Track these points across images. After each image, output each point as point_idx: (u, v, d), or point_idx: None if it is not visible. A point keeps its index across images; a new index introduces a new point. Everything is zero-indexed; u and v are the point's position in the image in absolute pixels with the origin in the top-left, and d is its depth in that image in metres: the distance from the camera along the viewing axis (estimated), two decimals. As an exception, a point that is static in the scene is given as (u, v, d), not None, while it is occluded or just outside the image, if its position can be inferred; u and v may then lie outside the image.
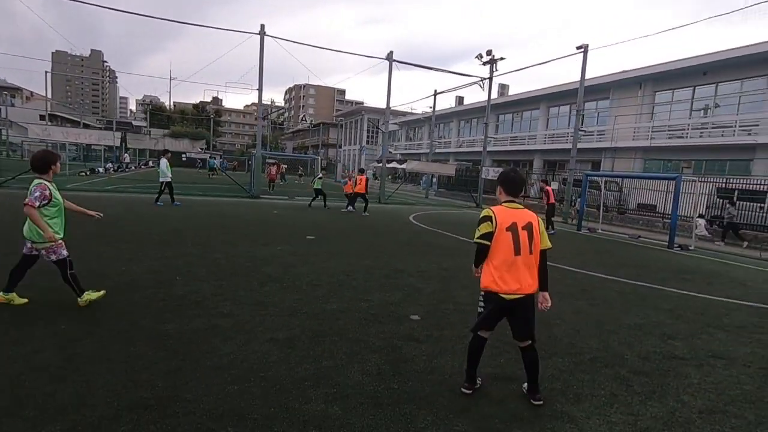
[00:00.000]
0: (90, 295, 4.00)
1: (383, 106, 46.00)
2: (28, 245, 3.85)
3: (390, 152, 51.20)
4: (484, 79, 21.77)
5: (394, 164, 42.73)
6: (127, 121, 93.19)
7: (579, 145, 25.91)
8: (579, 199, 15.06)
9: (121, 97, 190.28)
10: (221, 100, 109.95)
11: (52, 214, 3.83)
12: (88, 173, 23.17)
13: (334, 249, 7.87)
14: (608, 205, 19.22)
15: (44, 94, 54.81)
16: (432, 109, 29.09)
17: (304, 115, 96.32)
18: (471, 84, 22.63)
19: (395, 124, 53.80)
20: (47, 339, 3.27)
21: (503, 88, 38.31)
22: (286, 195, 20.26)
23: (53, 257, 3.83)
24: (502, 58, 20.99)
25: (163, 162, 12.52)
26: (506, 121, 35.58)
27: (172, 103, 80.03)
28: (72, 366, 2.88)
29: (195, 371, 2.94)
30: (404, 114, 51.49)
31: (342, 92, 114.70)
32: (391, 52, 19.05)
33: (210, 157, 31.10)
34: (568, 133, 26.51)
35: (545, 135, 29.70)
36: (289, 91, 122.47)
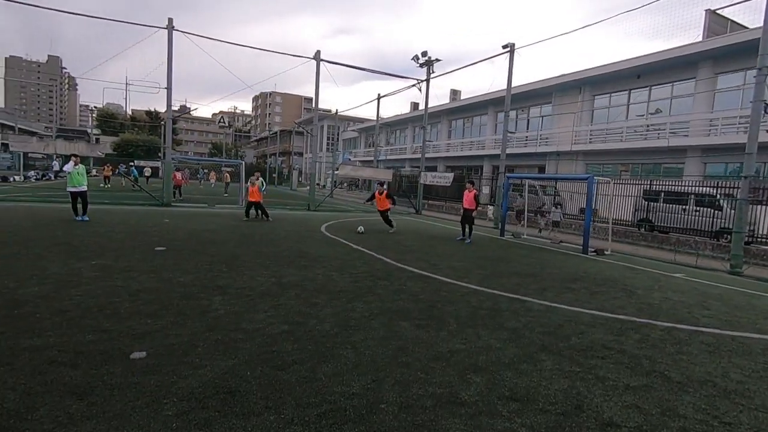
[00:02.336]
0: None
1: (351, 114, 44.95)
2: None
3: (349, 159, 50.28)
4: (421, 81, 21.10)
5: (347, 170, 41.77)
6: (83, 129, 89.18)
7: (524, 150, 25.69)
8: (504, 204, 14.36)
9: (83, 105, 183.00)
10: (189, 108, 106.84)
11: None
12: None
13: (167, 262, 6.70)
14: (545, 210, 18.71)
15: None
16: (376, 113, 28.33)
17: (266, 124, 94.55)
18: (410, 87, 21.92)
19: (354, 131, 53.04)
20: None
21: (455, 93, 38.03)
22: (206, 203, 18.91)
23: None
24: (437, 60, 20.37)
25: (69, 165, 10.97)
26: (458, 127, 35.22)
27: (130, 110, 76.99)
28: None
29: None
30: (363, 121, 50.78)
31: (310, 100, 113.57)
32: (318, 52, 18.11)
33: (132, 166, 29.20)
34: (514, 138, 26.18)
35: (493, 140, 29.35)
36: (255, 99, 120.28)
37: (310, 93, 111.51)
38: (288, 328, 4.16)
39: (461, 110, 33.77)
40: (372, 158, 46.74)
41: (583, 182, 13.19)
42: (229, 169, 38.64)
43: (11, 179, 23.31)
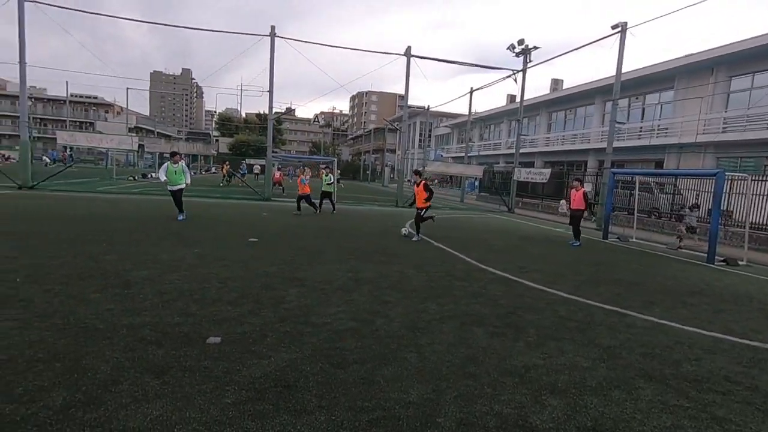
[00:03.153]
0: None
1: (444, 110, 44.54)
2: None
3: (441, 155, 49.71)
4: (516, 72, 19.87)
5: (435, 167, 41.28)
6: (206, 132, 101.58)
7: (638, 143, 22.86)
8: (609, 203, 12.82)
9: (207, 111, 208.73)
10: (294, 110, 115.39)
11: None
12: (134, 178, 25.06)
13: (257, 253, 7.16)
14: (661, 210, 16.41)
15: (133, 110, 61.28)
16: (468, 108, 27.39)
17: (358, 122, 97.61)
18: (505, 78, 20.81)
19: (446, 126, 52.24)
20: None
21: (556, 83, 35.18)
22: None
23: None
24: (535, 48, 18.98)
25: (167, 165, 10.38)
26: (559, 119, 32.61)
27: (243, 113, 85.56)
28: None
29: None
30: (456, 116, 49.76)
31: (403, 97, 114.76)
32: (409, 48, 18.04)
33: (244, 164, 31.88)
34: (625, 129, 23.44)
35: (600, 132, 26.58)
36: (352, 98, 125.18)
37: (401, 90, 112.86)
38: (355, 325, 4.12)
39: (563, 101, 31.19)
40: (464, 154, 45.67)
41: (710, 179, 11.18)
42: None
43: (149, 176, 27.34)
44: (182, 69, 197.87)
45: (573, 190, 11.03)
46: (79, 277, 5.04)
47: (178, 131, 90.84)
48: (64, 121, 56.26)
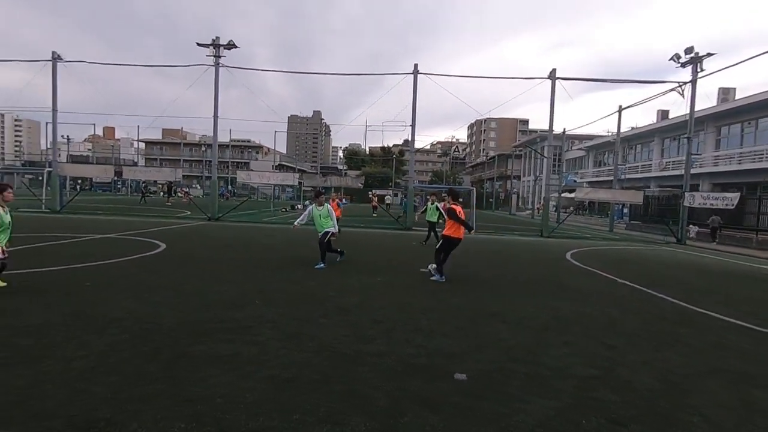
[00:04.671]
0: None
1: (569, 132, 41.94)
2: None
3: (574, 180, 46.07)
4: (684, 84, 17.47)
5: (568, 194, 38.17)
6: (334, 166, 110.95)
7: None
8: None
9: (333, 147, 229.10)
10: (412, 141, 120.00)
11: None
12: (286, 209, 28.15)
13: (438, 284, 7.16)
14: None
15: (277, 150, 70.24)
16: (617, 127, 24.89)
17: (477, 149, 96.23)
18: (666, 92, 18.49)
19: (580, 149, 48.40)
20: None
21: (726, 92, 30.04)
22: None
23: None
24: (708, 54, 16.53)
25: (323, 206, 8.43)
26: (733, 134, 27.66)
27: (367, 149, 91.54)
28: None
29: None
30: (591, 138, 45.87)
31: (525, 122, 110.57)
32: (554, 70, 17.25)
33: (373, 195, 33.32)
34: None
35: (796, 147, 21.70)
36: (470, 126, 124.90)
37: (524, 115, 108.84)
38: (596, 372, 3.71)
39: (738, 112, 26.45)
40: (603, 178, 41.46)
41: None
42: (443, 194, 40.93)
43: (297, 207, 30.59)
44: (313, 111, 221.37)
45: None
46: (299, 301, 5.57)
47: (311, 166, 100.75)
48: (227, 162, 66.61)
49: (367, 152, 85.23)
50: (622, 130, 25.93)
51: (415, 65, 17.44)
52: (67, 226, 13.21)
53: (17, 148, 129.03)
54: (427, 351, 3.99)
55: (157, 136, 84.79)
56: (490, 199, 60.00)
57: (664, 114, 35.80)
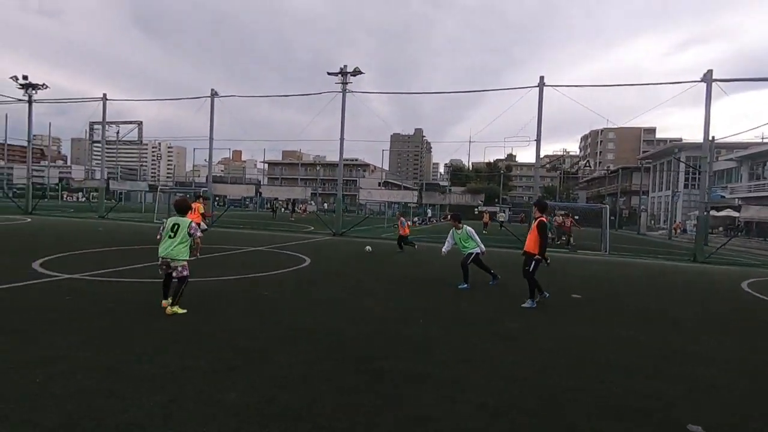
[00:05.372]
0: (177, 310, 5.07)
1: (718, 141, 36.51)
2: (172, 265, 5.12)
3: (722, 197, 39.66)
4: None
5: (727, 211, 32.66)
6: (435, 182, 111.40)
7: None
8: None
9: (433, 163, 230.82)
10: (515, 156, 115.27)
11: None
12: (399, 225, 28.83)
13: (596, 314, 6.54)
14: None
15: (381, 167, 73.01)
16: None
17: (587, 161, 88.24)
18: None
19: (731, 160, 41.59)
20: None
21: None
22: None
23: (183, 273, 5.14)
24: None
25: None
26: None
27: (470, 164, 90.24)
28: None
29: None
30: (744, 146, 39.18)
31: (651, 131, 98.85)
32: (710, 72, 15.09)
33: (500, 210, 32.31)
34: None
35: None
36: (584, 138, 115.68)
37: (647, 123, 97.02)
38: None
39: None
40: (764, 193, 34.87)
41: None
42: (562, 212, 38.08)
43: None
44: (414, 129, 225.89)
45: None
46: (459, 323, 5.51)
47: (414, 183, 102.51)
48: (336, 180, 71.04)
49: (470, 168, 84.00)
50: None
51: (541, 77, 16.71)
52: (222, 238, 15.11)
53: (169, 171, 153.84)
54: (632, 391, 3.59)
55: (277, 157, 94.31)
56: (612, 217, 54.60)
57: None
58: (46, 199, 43.72)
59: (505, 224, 26.76)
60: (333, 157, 79.80)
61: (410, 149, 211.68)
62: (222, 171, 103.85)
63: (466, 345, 4.62)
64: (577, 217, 32.62)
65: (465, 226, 8.28)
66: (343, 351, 4.20)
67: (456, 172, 76.31)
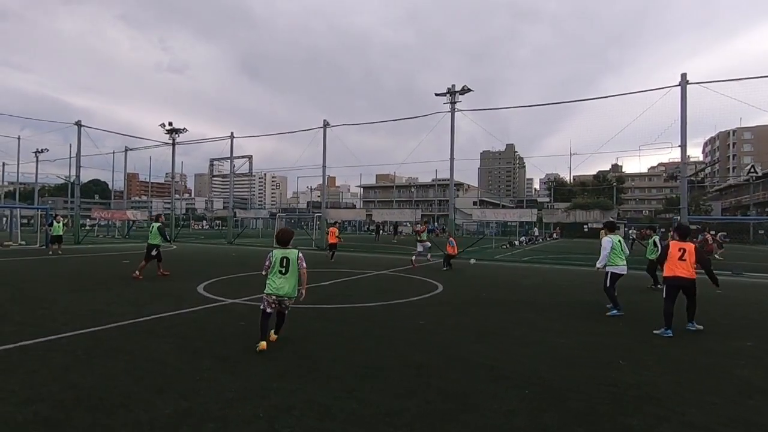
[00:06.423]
0: (262, 344, 4.66)
1: None
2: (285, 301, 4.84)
3: None
4: None
5: None
6: (533, 199, 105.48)
7: None
8: None
9: (527, 179, 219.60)
10: (621, 166, 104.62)
11: None
12: (508, 246, 27.25)
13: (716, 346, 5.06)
14: None
15: (475, 186, 71.33)
16: None
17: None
18: None
19: None
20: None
21: None
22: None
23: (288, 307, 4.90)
24: None
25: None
26: None
27: (572, 178, 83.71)
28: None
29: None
30: None
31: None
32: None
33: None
34: None
35: None
36: (710, 141, 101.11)
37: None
38: None
39: None
40: None
41: None
42: (713, 231, 32.87)
43: (515, 243, 29.49)
44: (506, 145, 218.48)
45: None
46: (671, 366, 4.59)
47: (510, 200, 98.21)
48: (432, 201, 71.01)
49: (571, 181, 77.63)
50: None
51: (683, 75, 14.67)
52: (337, 261, 15.45)
53: (273, 198, 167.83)
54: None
55: (371, 181, 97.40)
56: (760, 231, 46.39)
57: None
58: (179, 228, 50.08)
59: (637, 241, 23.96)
60: (425, 178, 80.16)
61: (502, 166, 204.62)
62: (318, 197, 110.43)
63: (697, 404, 3.73)
64: (724, 233, 27.93)
65: (615, 236, 7.50)
66: (563, 401, 3.61)
67: (558, 187, 70.96)
